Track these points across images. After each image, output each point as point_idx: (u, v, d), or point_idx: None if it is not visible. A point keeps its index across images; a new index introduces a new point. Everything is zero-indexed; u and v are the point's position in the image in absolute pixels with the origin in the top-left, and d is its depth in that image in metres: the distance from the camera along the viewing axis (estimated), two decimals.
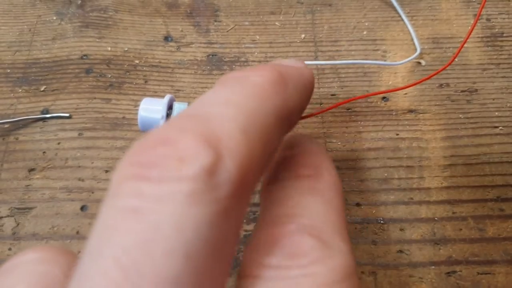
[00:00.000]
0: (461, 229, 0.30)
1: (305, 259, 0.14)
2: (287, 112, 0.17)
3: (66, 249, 0.17)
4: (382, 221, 0.31)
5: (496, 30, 0.37)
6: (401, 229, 0.30)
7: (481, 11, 0.30)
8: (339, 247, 0.15)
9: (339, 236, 0.16)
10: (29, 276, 0.15)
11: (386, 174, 0.32)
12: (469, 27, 0.38)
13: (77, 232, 0.31)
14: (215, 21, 0.39)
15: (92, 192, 0.32)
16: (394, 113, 0.34)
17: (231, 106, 0.15)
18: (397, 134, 0.33)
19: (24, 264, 0.16)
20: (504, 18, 0.38)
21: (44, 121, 0.35)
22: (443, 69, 0.31)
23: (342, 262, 0.15)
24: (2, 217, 0.31)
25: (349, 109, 0.34)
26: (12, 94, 0.36)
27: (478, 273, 0.29)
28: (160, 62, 0.37)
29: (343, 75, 0.36)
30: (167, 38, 0.38)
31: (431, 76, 0.31)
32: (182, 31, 0.39)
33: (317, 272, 0.14)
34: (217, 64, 0.37)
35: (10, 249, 0.30)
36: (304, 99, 0.20)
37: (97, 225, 0.13)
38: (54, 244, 0.30)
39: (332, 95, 0.35)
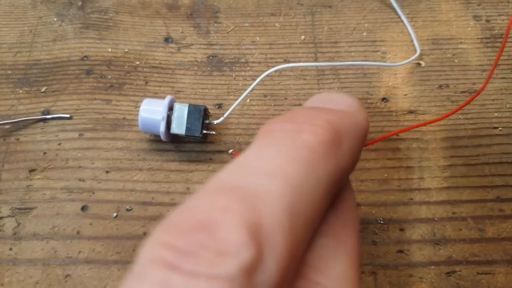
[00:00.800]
0: (461, 229, 0.30)
1: None
2: (339, 176, 0.16)
3: None
4: (382, 222, 0.31)
5: (496, 31, 0.38)
6: (401, 229, 0.30)
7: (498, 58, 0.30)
8: None
9: None
10: None
11: (386, 175, 0.32)
12: (468, 28, 0.38)
13: (78, 232, 0.31)
14: (215, 22, 0.39)
15: (93, 193, 0.32)
16: (394, 114, 0.34)
17: (279, 178, 0.13)
18: (397, 135, 0.33)
19: None
20: (503, 20, 0.38)
21: (44, 122, 0.35)
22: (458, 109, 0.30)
23: None
24: (3, 217, 0.32)
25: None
26: (13, 95, 0.36)
27: (478, 273, 0.29)
28: (160, 63, 0.37)
29: (343, 76, 0.36)
30: (167, 40, 0.39)
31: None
32: (182, 32, 0.39)
33: None
34: (217, 65, 0.37)
35: (11, 249, 0.30)
36: (357, 155, 0.17)
37: None
38: (55, 244, 0.30)
39: None
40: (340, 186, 0.17)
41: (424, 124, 0.30)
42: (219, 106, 0.35)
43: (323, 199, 0.15)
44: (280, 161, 0.14)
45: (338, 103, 0.18)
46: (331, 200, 0.16)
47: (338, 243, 0.15)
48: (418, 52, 0.36)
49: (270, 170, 0.14)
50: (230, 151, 0.33)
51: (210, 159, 0.33)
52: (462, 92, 0.35)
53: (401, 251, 0.30)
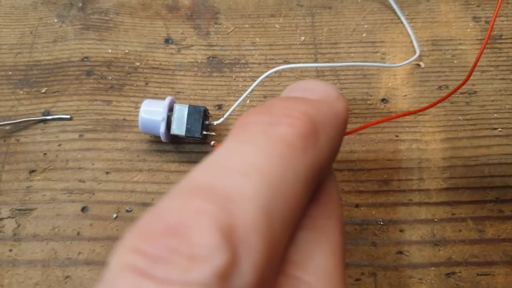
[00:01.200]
0: (460, 231, 0.30)
1: None
2: (318, 169, 0.15)
3: None
4: (381, 222, 0.31)
5: (495, 32, 0.38)
6: (401, 230, 0.30)
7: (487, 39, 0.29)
8: None
9: None
10: None
11: (385, 176, 0.32)
12: (468, 29, 0.38)
13: (78, 233, 0.31)
14: (215, 23, 0.39)
15: (93, 194, 0.32)
16: (393, 115, 0.34)
17: (254, 176, 0.13)
18: (397, 136, 0.33)
19: None
20: (502, 21, 0.38)
21: (45, 123, 0.35)
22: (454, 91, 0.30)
23: None
24: (3, 218, 0.32)
25: (348, 111, 0.35)
26: (13, 96, 0.36)
27: (478, 274, 0.29)
28: (160, 64, 0.37)
29: (343, 77, 0.36)
30: (167, 41, 0.39)
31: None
32: (182, 33, 0.39)
33: None
34: (217, 66, 0.37)
35: (11, 250, 0.30)
36: (337, 145, 0.17)
37: None
38: (55, 245, 0.30)
39: None
40: (320, 178, 0.16)
41: (406, 115, 0.30)
42: (219, 107, 0.35)
43: (303, 194, 0.14)
44: (255, 157, 0.14)
45: (316, 92, 0.18)
46: (312, 193, 0.16)
47: (319, 235, 0.15)
48: (418, 53, 0.36)
49: (245, 168, 0.13)
50: (212, 142, 0.33)
51: None
52: (461, 93, 0.35)
53: (400, 252, 0.30)
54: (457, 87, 0.29)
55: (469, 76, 0.28)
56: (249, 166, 0.13)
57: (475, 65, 0.28)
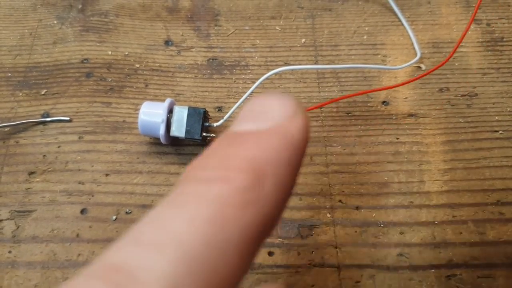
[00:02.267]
0: (461, 233, 0.30)
1: None
2: (262, 224, 0.13)
3: None
4: (382, 225, 0.30)
5: (496, 35, 0.38)
6: (401, 233, 0.30)
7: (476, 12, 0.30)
8: None
9: None
10: None
11: (386, 178, 0.32)
12: (469, 32, 0.38)
13: (77, 235, 0.31)
14: (216, 25, 0.39)
15: (92, 195, 0.32)
16: (394, 117, 0.34)
17: (170, 248, 0.12)
18: (397, 138, 0.33)
19: None
20: (504, 23, 0.38)
21: (44, 125, 0.35)
22: (438, 67, 0.31)
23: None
24: (2, 220, 0.31)
25: (349, 113, 0.35)
26: (12, 98, 0.36)
27: (478, 277, 0.29)
28: (160, 66, 0.37)
29: (343, 79, 0.36)
30: (167, 42, 0.39)
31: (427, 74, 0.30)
32: (182, 35, 0.39)
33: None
34: (217, 68, 0.37)
35: (10, 251, 0.30)
36: (290, 184, 0.14)
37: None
38: (54, 247, 0.30)
39: (332, 99, 0.35)
40: (266, 235, 0.14)
41: (394, 86, 0.31)
42: (219, 109, 0.35)
43: (236, 260, 0.12)
44: (178, 226, 0.12)
45: (270, 114, 0.15)
46: (253, 255, 0.13)
47: None
48: (419, 55, 0.36)
49: (163, 240, 0.12)
50: None
51: None
52: (462, 95, 0.35)
53: (401, 254, 0.30)
54: (447, 57, 0.29)
55: (454, 50, 0.28)
56: (167, 237, 0.12)
57: (461, 39, 0.28)
